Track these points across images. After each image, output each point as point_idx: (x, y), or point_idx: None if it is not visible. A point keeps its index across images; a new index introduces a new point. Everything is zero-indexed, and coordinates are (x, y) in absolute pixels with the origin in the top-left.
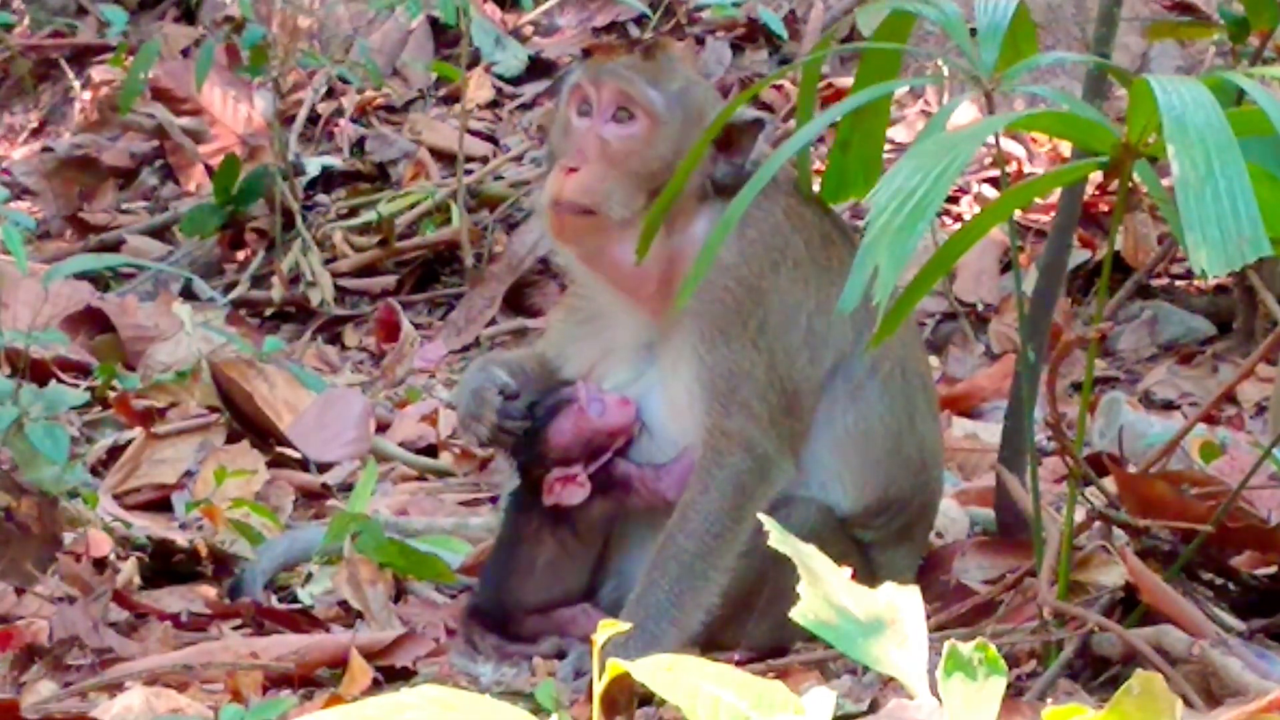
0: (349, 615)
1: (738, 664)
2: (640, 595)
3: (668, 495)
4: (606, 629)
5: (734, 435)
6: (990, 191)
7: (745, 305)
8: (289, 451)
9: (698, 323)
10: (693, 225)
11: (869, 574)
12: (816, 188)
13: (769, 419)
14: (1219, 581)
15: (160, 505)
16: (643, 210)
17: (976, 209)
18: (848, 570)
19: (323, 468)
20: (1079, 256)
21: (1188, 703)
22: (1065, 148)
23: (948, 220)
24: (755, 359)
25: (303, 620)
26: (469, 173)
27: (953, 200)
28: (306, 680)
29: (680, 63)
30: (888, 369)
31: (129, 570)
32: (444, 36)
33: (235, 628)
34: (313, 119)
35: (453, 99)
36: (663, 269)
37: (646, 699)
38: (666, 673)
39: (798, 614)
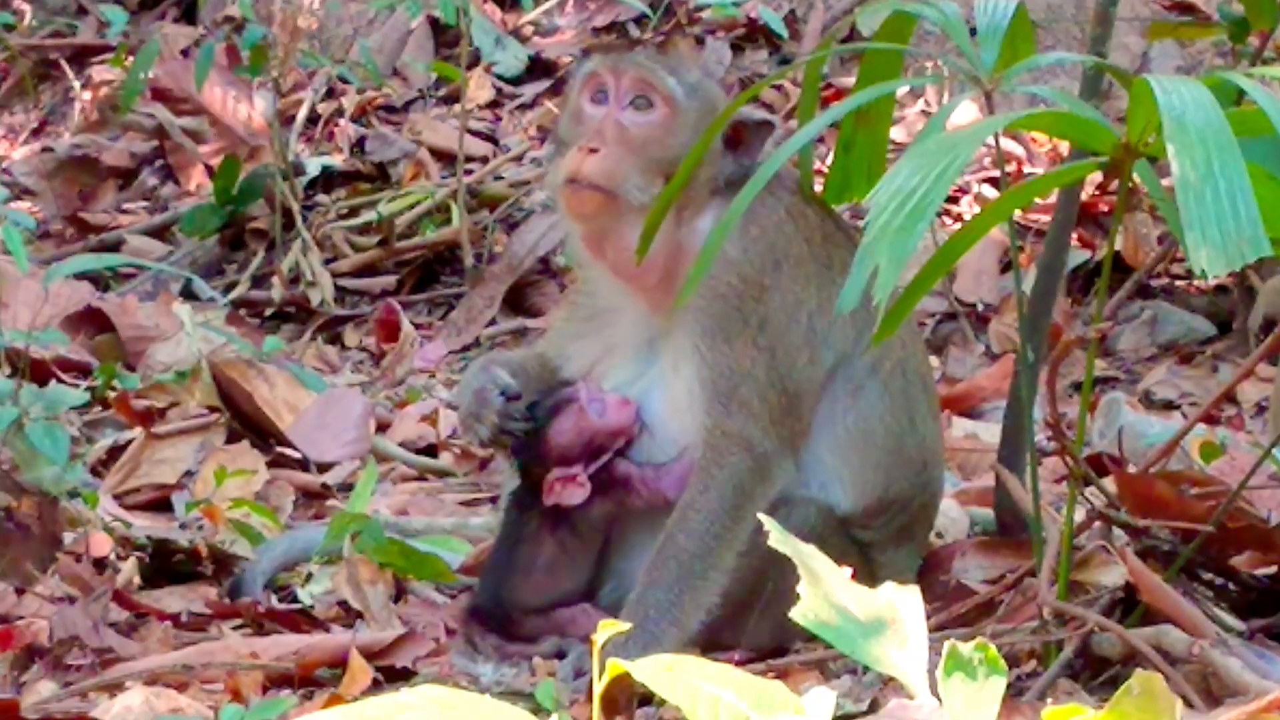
0: (349, 615)
1: (738, 664)
2: (640, 595)
3: (668, 495)
4: (606, 629)
5: (734, 435)
6: (990, 191)
7: (747, 302)
8: (289, 451)
9: (700, 319)
10: (700, 219)
11: (869, 574)
12: (819, 188)
13: (769, 418)
14: (1219, 581)
15: (160, 505)
16: (652, 197)
17: (976, 209)
18: (848, 570)
19: (323, 468)
20: (1079, 256)
21: (1188, 703)
22: (1065, 148)
23: (948, 220)
24: (756, 357)
25: (303, 620)
26: (469, 173)
27: (953, 200)
28: (306, 680)
29: (689, 60)
30: (888, 369)
31: (129, 570)
32: (444, 36)
33: (235, 628)
34: (313, 119)
35: (453, 99)
36: (667, 259)
37: (646, 699)
38: (666, 673)
39: (798, 614)
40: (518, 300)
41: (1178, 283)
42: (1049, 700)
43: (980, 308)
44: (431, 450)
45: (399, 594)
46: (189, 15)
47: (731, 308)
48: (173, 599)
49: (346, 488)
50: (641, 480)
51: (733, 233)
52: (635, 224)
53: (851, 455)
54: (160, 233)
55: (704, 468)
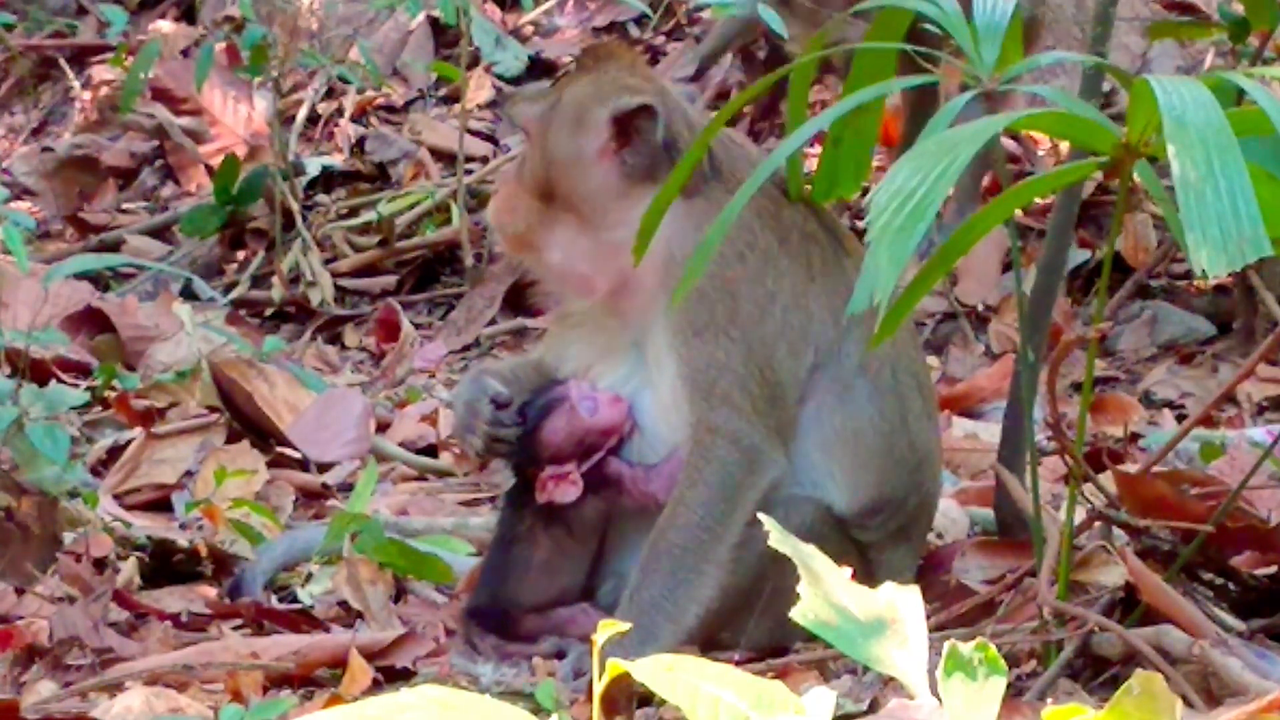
0: (349, 615)
1: (738, 664)
2: (634, 592)
3: (658, 496)
4: (606, 629)
5: (719, 429)
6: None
7: (709, 295)
8: (289, 451)
9: (671, 317)
10: (626, 220)
11: (868, 574)
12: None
13: (753, 410)
14: (1219, 581)
15: (160, 505)
16: (542, 219)
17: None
18: (847, 570)
19: (323, 468)
20: (1079, 256)
21: (1188, 703)
22: (1065, 147)
23: None
24: (731, 349)
25: (303, 620)
26: (469, 173)
27: None
28: (306, 680)
29: (598, 70)
30: (877, 368)
31: (129, 570)
32: (444, 36)
33: (235, 628)
34: (313, 119)
35: (453, 99)
36: (596, 266)
37: (646, 699)
38: (666, 673)
39: (798, 614)
40: (518, 300)
41: (1178, 283)
42: (1049, 700)
43: (980, 308)
44: (431, 450)
45: (399, 594)
46: (189, 15)
47: (694, 301)
48: (173, 599)
49: (346, 488)
50: (633, 480)
51: (687, 230)
52: (550, 242)
53: (842, 455)
54: (160, 233)
55: (692, 463)
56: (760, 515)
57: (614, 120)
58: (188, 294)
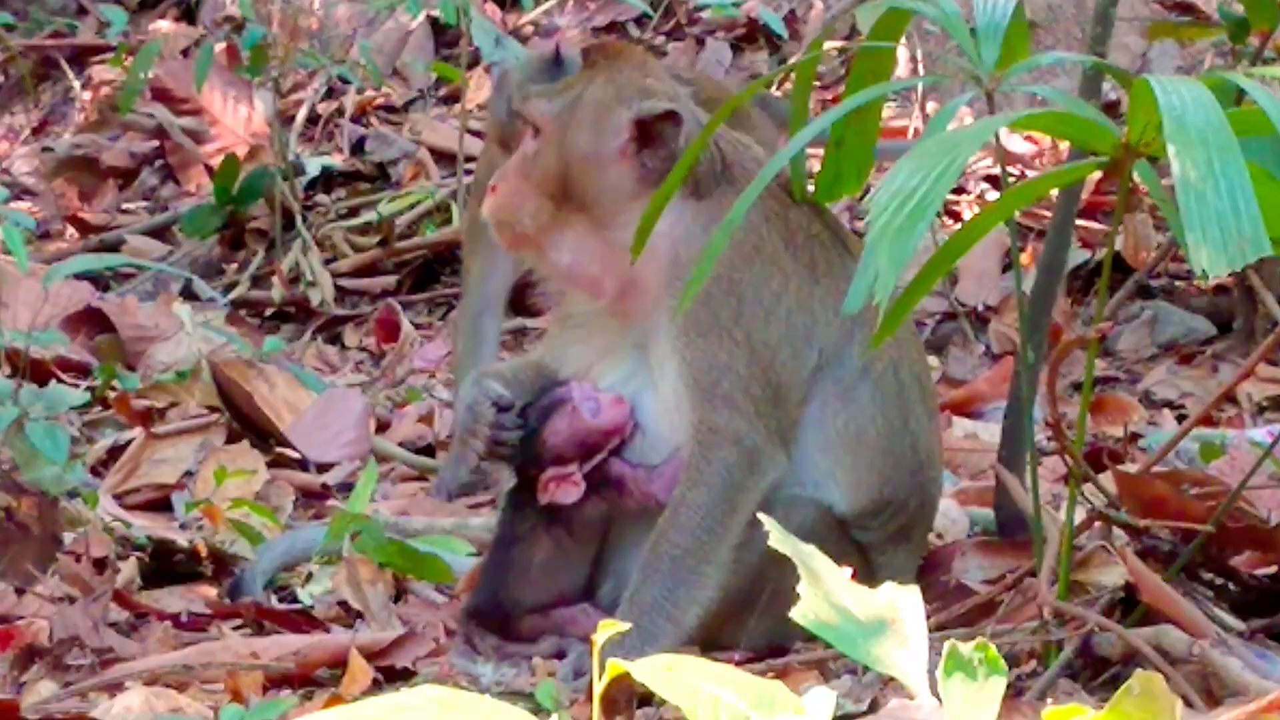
0: (349, 615)
1: (738, 664)
2: (634, 592)
3: (659, 498)
4: (606, 629)
5: (720, 429)
6: (990, 191)
7: (716, 297)
8: (289, 451)
9: (675, 318)
10: (636, 222)
11: (868, 575)
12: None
13: (754, 411)
14: (1219, 581)
15: (160, 505)
16: (553, 218)
17: (977, 209)
18: (848, 570)
19: (323, 468)
20: (1079, 256)
21: (1188, 703)
22: (1065, 147)
23: (948, 220)
24: (734, 351)
25: (303, 620)
26: (469, 173)
27: (953, 200)
28: (306, 680)
29: (612, 69)
30: (880, 370)
31: (129, 570)
32: (444, 36)
33: (235, 628)
34: (313, 119)
35: (453, 99)
36: (605, 267)
37: (646, 699)
38: (666, 673)
39: (798, 614)
40: (518, 300)
41: (1178, 283)
42: (1049, 700)
43: (980, 308)
44: (431, 450)
45: (399, 594)
46: (189, 15)
47: (701, 303)
48: (173, 599)
49: (346, 488)
50: (634, 481)
51: (695, 231)
52: (551, 243)
53: (844, 456)
54: (160, 233)
55: (693, 463)
56: (761, 515)
57: (637, 123)
58: (188, 294)
